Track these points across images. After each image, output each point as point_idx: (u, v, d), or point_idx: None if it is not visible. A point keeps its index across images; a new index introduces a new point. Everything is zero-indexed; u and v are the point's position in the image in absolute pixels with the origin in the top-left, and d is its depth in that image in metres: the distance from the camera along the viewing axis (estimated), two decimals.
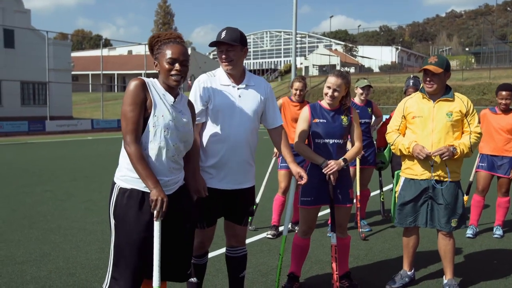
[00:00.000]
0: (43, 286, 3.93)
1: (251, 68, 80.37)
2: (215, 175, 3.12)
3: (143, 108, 2.55)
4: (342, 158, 3.64)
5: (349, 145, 3.99)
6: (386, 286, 4.01)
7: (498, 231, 5.65)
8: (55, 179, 9.65)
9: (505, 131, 5.37)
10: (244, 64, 3.24)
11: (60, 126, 26.95)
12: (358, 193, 5.72)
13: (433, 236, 5.12)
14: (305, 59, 73.81)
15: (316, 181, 3.65)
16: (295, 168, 3.29)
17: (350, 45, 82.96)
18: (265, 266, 4.47)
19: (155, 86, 2.65)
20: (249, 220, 5.77)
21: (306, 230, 3.85)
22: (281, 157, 5.44)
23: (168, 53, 2.61)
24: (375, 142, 5.92)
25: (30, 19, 32.32)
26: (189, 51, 63.41)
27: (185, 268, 2.80)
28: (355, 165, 5.68)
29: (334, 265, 3.59)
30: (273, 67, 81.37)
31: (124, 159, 2.61)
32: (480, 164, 5.60)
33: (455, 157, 3.69)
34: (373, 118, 6.00)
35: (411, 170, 3.87)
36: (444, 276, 3.96)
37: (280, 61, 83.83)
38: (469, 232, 5.60)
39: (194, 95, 3.09)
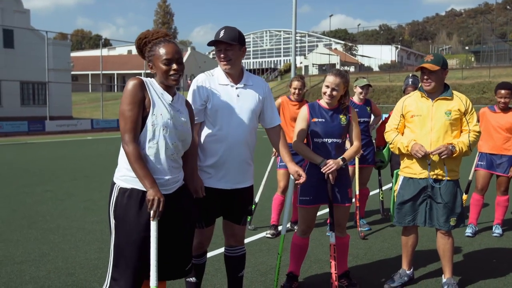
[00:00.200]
0: (42, 286, 3.94)
1: (251, 67, 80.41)
2: (214, 174, 3.12)
3: (142, 107, 2.55)
4: (341, 157, 3.64)
5: (348, 144, 3.98)
6: (385, 285, 4.01)
7: (497, 230, 5.65)
8: (55, 179, 9.66)
9: (504, 130, 5.37)
10: (242, 64, 3.24)
11: (59, 126, 26.94)
12: (357, 192, 5.72)
13: (432, 235, 5.12)
14: (305, 58, 73.77)
15: (315, 181, 3.64)
16: (293, 167, 3.29)
17: (350, 44, 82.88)
18: (264, 266, 4.47)
19: (153, 86, 2.65)
20: (249, 220, 5.80)
21: (305, 230, 3.85)
22: (280, 157, 5.44)
23: (163, 54, 2.61)
24: (374, 141, 5.92)
25: (30, 19, 32.29)
26: (189, 51, 63.35)
27: (184, 266, 2.80)
28: (354, 164, 5.68)
29: (333, 264, 3.59)
30: (272, 66, 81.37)
31: (123, 159, 2.60)
32: (479, 162, 5.60)
33: (454, 155, 3.69)
34: (372, 117, 6.00)
35: (410, 169, 3.87)
36: (443, 275, 3.96)
37: (280, 61, 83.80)
38: (468, 231, 5.60)
39: (193, 95, 3.09)
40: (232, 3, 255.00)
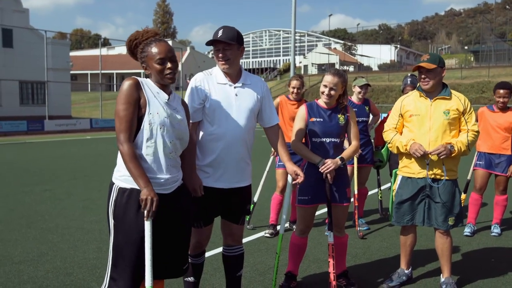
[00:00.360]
0: (40, 286, 3.93)
1: (250, 66, 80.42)
2: (212, 173, 3.12)
3: (137, 107, 2.55)
4: (339, 157, 3.64)
5: (346, 144, 3.98)
6: (383, 284, 4.01)
7: (496, 229, 5.65)
8: (54, 179, 9.65)
9: (502, 129, 5.37)
10: (241, 63, 3.24)
11: (59, 126, 26.92)
12: (356, 192, 5.72)
13: (430, 234, 5.13)
14: (304, 58, 73.80)
15: (313, 180, 3.64)
16: (291, 167, 3.29)
17: (349, 43, 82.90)
18: (262, 265, 4.47)
19: (149, 85, 2.65)
20: (247, 219, 5.80)
21: (304, 229, 3.85)
22: (278, 156, 5.44)
23: (156, 54, 2.61)
24: (372, 141, 5.92)
25: (29, 18, 32.23)
26: (188, 50, 63.34)
27: (181, 264, 2.80)
28: (353, 164, 5.68)
29: (331, 263, 3.59)
30: (272, 66, 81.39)
31: (122, 159, 2.60)
32: (478, 162, 5.61)
33: (453, 155, 3.69)
34: (371, 116, 6.00)
35: (408, 169, 3.87)
36: (441, 275, 3.97)
37: (279, 60, 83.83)
38: (467, 230, 5.60)
39: (191, 93, 3.09)
40: (231, 3, 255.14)
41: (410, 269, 4.12)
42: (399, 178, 3.98)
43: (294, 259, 3.94)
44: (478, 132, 3.80)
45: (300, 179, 3.28)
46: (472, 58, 64.22)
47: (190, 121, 3.01)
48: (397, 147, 3.87)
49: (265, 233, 5.49)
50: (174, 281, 3.75)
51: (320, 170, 3.58)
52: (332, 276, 3.55)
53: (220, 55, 3.07)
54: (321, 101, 3.75)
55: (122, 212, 2.55)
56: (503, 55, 57.21)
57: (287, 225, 5.70)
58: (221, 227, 3.36)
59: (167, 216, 2.63)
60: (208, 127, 3.09)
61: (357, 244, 5.20)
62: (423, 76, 3.75)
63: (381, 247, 5.10)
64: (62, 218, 6.27)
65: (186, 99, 3.10)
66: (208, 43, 3.10)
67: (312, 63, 69.38)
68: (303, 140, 3.77)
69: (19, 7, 31.38)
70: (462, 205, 4.18)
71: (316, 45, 79.60)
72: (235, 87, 3.14)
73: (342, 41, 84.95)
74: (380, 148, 5.83)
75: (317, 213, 4.24)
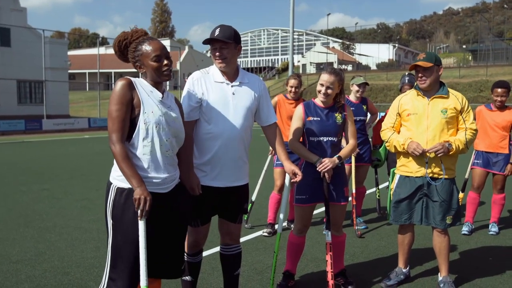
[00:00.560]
0: (37, 285, 3.92)
1: (249, 65, 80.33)
2: (209, 172, 3.12)
3: (130, 107, 2.54)
4: (337, 155, 3.63)
5: (344, 142, 3.98)
6: (381, 283, 4.01)
7: (493, 228, 5.66)
8: (52, 178, 9.63)
9: (500, 128, 5.38)
10: (239, 62, 3.24)
11: (57, 125, 26.89)
12: (354, 191, 5.72)
13: (428, 233, 5.13)
14: (303, 57, 73.77)
15: (311, 179, 3.64)
16: (289, 166, 3.28)
17: (348, 42, 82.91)
18: (260, 264, 4.47)
19: (142, 84, 2.65)
20: (245, 218, 5.80)
21: (302, 228, 3.85)
22: (276, 155, 5.43)
23: (151, 52, 2.60)
24: (370, 140, 5.92)
25: (27, 17, 32.16)
26: (186, 49, 63.23)
27: (179, 265, 2.79)
28: (351, 163, 5.68)
29: (329, 262, 3.58)
30: (270, 65, 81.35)
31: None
32: (476, 161, 5.61)
33: (451, 153, 3.69)
34: (369, 115, 5.99)
35: (406, 168, 3.87)
36: (439, 273, 3.97)
37: (278, 59, 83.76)
38: (465, 229, 5.61)
39: (188, 92, 3.08)
40: (229, 2, 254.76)
41: (408, 268, 4.13)
42: (397, 177, 3.98)
43: (292, 258, 3.93)
44: (476, 130, 3.80)
45: (298, 178, 3.28)
46: (470, 57, 64.27)
47: (188, 120, 3.01)
48: (395, 146, 3.87)
49: (263, 232, 5.49)
50: (172, 280, 3.73)
51: (317, 169, 3.58)
52: (330, 275, 3.55)
53: (217, 53, 3.06)
54: (318, 100, 3.75)
55: (120, 212, 2.55)
56: (501, 54, 57.29)
57: (285, 224, 5.71)
58: (218, 226, 3.35)
59: (165, 216, 2.62)
60: (205, 126, 3.09)
61: (355, 243, 5.20)
62: (420, 74, 3.75)
63: (379, 246, 5.10)
64: (60, 217, 6.26)
65: (183, 98, 3.09)
66: (205, 42, 3.10)
67: (311, 62, 69.40)
68: (301, 139, 3.77)
69: (17, 6, 31.30)
70: (460, 204, 4.18)
71: (315, 44, 79.59)
72: (232, 86, 3.13)
73: (340, 40, 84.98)
74: (378, 147, 5.83)
75: (315, 212, 4.24)
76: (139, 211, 2.43)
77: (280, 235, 3.69)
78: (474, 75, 43.91)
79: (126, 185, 2.55)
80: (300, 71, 61.76)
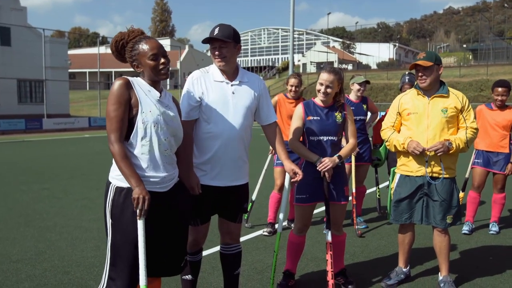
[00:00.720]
0: (38, 285, 3.92)
1: (249, 65, 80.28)
2: (209, 171, 3.11)
3: (127, 107, 2.53)
4: (337, 155, 3.63)
5: (344, 142, 3.98)
6: (381, 282, 4.01)
7: (494, 228, 5.66)
8: (52, 177, 9.64)
9: (500, 127, 5.37)
10: (239, 61, 3.23)
11: (57, 124, 26.91)
12: (354, 190, 5.72)
13: (428, 232, 5.12)
14: (303, 56, 73.77)
15: (311, 179, 3.64)
16: (289, 165, 3.28)
17: (348, 42, 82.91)
18: (261, 264, 4.47)
19: (140, 84, 2.64)
20: (245, 218, 5.80)
21: (302, 228, 3.85)
22: (277, 154, 5.43)
23: (148, 50, 2.60)
24: (370, 139, 5.91)
25: (27, 16, 32.15)
26: (187, 49, 63.13)
27: (178, 262, 2.79)
28: (351, 162, 5.67)
29: (329, 262, 3.58)
30: (270, 64, 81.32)
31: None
32: (476, 160, 5.61)
33: (451, 152, 3.68)
34: (369, 114, 5.99)
35: (406, 167, 3.86)
36: (439, 273, 3.96)
37: (278, 58, 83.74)
38: (465, 228, 5.61)
39: (187, 91, 3.08)
40: (230, 1, 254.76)
41: (408, 267, 4.12)
42: (397, 176, 3.98)
43: (292, 258, 3.93)
44: (477, 129, 3.79)
45: (298, 177, 3.28)
46: (470, 56, 64.23)
47: (187, 119, 3.00)
48: (395, 146, 3.86)
49: (263, 232, 5.49)
50: (172, 279, 3.74)
51: (317, 168, 3.58)
52: (330, 275, 3.54)
53: (217, 53, 3.06)
54: (318, 100, 3.74)
55: (120, 211, 2.55)
56: (501, 53, 57.27)
57: (285, 223, 5.70)
58: (218, 225, 3.35)
59: (164, 214, 2.62)
60: (205, 125, 3.08)
61: (355, 242, 5.20)
62: (420, 74, 3.75)
63: (379, 246, 5.10)
64: (60, 217, 6.26)
65: (182, 97, 3.09)
66: (204, 41, 3.09)
67: (311, 62, 69.37)
68: (301, 139, 3.76)
69: (17, 5, 31.29)
70: (460, 203, 4.18)
71: (315, 44, 79.59)
72: (232, 85, 3.13)
73: (340, 40, 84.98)
74: (378, 146, 5.83)
75: (315, 211, 4.24)
76: (138, 210, 2.43)
77: (280, 235, 3.69)
78: (475, 75, 43.91)
79: (125, 184, 2.55)
80: (301, 71, 61.75)
